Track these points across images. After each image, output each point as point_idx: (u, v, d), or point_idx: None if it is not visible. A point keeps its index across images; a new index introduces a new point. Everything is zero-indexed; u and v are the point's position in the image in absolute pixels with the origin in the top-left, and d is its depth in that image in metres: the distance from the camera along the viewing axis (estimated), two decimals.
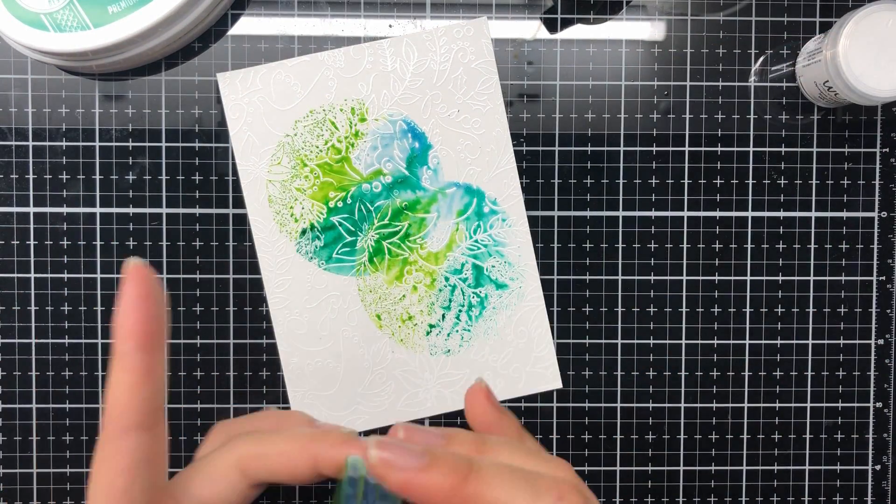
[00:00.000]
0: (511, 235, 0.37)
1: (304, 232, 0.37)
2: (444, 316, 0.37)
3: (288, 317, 0.37)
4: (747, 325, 0.39)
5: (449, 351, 0.37)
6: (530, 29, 0.38)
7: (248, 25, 0.37)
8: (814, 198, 0.39)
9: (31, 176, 0.37)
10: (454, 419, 0.38)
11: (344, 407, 0.37)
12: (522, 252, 0.37)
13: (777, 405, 0.39)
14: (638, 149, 0.38)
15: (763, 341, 0.39)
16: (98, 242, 0.37)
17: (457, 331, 0.37)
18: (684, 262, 0.38)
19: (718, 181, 0.38)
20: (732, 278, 0.39)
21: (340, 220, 0.36)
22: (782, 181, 0.39)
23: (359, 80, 0.36)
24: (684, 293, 0.38)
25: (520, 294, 0.37)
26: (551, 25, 0.38)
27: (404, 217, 0.37)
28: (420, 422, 0.38)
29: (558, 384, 0.38)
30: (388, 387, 0.37)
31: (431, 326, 0.37)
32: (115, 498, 0.23)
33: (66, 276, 0.37)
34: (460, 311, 0.37)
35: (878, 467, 0.39)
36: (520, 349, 0.37)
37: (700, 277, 0.38)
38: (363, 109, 0.36)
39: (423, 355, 0.37)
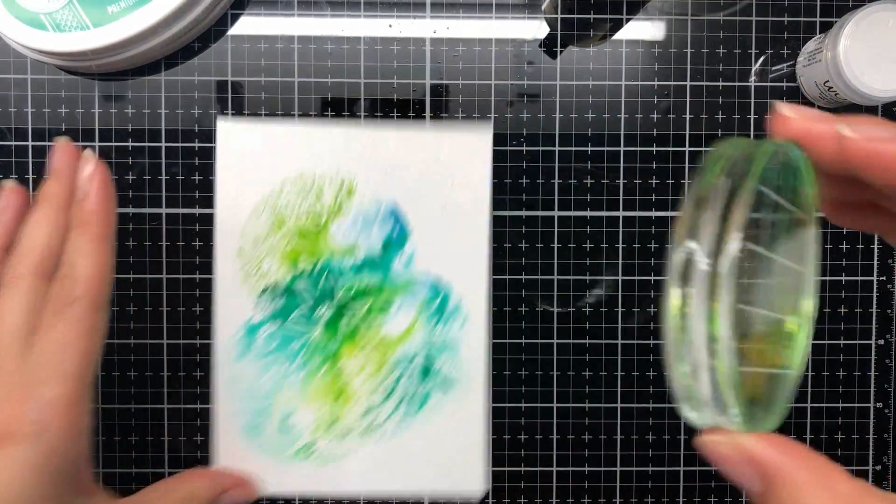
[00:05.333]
0: (468, 337, 0.37)
1: (265, 290, 0.36)
2: (384, 400, 0.37)
3: (231, 369, 0.36)
4: None
5: (382, 435, 0.37)
6: (531, 29, 0.38)
7: (247, 25, 0.37)
8: None
9: (30, 176, 0.37)
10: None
11: (267, 469, 0.36)
12: (475, 355, 0.37)
13: None
14: (638, 149, 0.38)
15: None
16: None
17: (393, 418, 0.37)
18: None
19: None
20: None
21: (304, 286, 0.36)
22: None
23: (355, 160, 0.36)
24: None
25: (464, 394, 0.37)
26: (553, 41, 0.38)
27: (367, 297, 0.36)
28: (339, 501, 0.38)
29: (479, 491, 0.37)
30: (315, 456, 0.37)
31: (370, 408, 0.37)
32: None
33: None
34: (402, 400, 0.36)
35: (878, 467, 0.39)
36: (452, 449, 0.37)
37: None
38: (352, 185, 0.36)
39: (355, 433, 0.37)
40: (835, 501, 0.16)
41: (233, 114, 0.37)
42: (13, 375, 0.25)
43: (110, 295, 0.29)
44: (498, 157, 0.38)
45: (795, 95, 0.38)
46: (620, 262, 0.38)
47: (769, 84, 0.38)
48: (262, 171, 0.36)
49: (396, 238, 0.36)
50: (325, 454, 0.36)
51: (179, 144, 0.37)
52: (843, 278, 0.39)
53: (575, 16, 0.38)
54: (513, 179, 0.38)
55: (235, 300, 0.36)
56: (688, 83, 0.38)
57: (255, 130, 0.36)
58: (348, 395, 0.36)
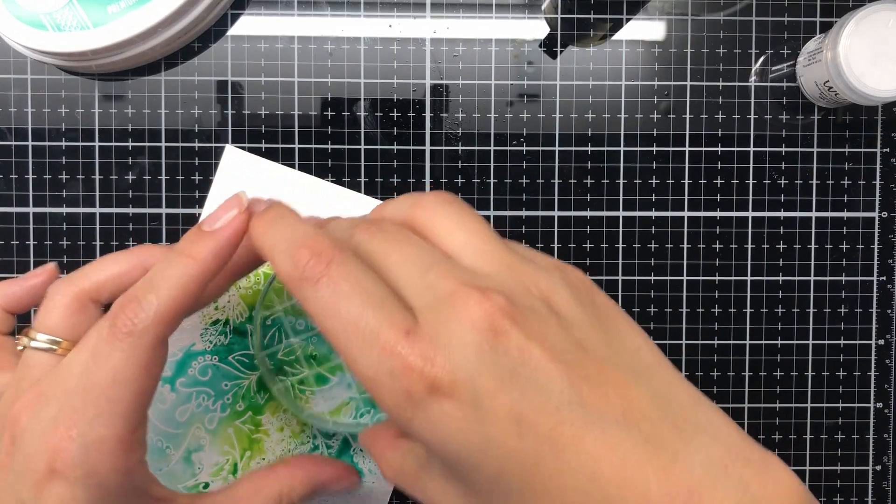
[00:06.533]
0: None
1: (216, 322, 0.36)
2: None
3: (160, 388, 0.35)
4: (747, 325, 0.39)
5: None
6: (531, 29, 0.38)
7: (247, 25, 0.37)
8: (814, 198, 0.39)
9: (30, 176, 0.37)
10: None
11: None
12: None
13: (777, 405, 0.39)
14: (638, 149, 0.38)
15: (763, 341, 0.39)
16: (98, 242, 0.37)
17: None
18: (684, 262, 0.38)
19: (719, 181, 0.38)
20: (732, 278, 0.39)
21: (252, 332, 0.35)
22: (782, 181, 0.38)
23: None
24: (684, 293, 0.38)
25: (369, 489, 0.36)
26: (553, 40, 0.38)
27: (310, 366, 0.35)
28: None
29: None
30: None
31: None
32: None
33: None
34: None
35: (878, 468, 0.39)
36: None
37: (700, 277, 0.38)
38: None
39: None
40: None
41: (233, 113, 0.37)
42: (60, 398, 0.23)
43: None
44: (498, 157, 0.38)
45: (795, 95, 0.38)
46: (620, 262, 0.38)
47: (769, 84, 0.38)
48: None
49: None
50: None
51: (179, 144, 0.37)
52: (843, 278, 0.39)
53: (575, 16, 0.38)
54: (513, 179, 0.38)
55: (186, 322, 0.35)
56: (688, 83, 0.38)
57: (260, 164, 0.36)
58: (259, 449, 0.36)
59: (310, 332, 0.35)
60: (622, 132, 0.38)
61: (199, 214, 0.37)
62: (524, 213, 0.38)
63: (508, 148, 0.38)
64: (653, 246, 0.38)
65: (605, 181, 0.38)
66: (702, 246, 0.38)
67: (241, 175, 0.37)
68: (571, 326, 0.21)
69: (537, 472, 0.19)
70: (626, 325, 0.22)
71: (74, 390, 0.22)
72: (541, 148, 0.38)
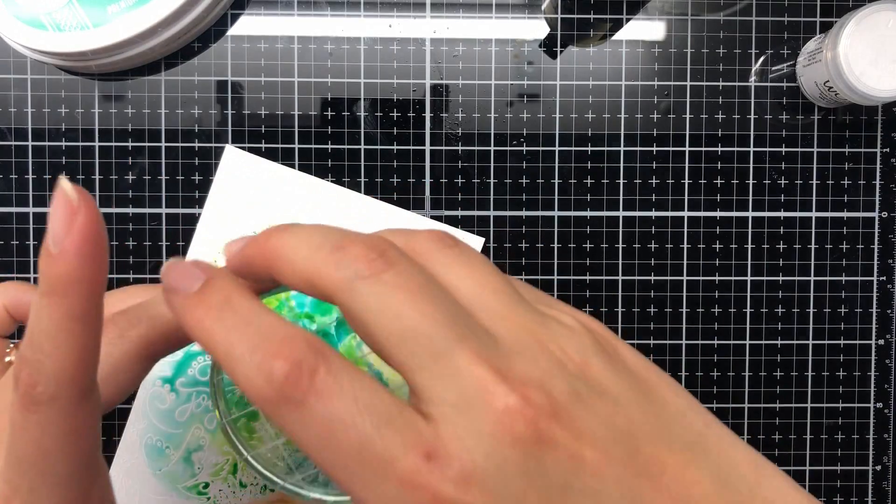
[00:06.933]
0: None
1: None
2: (287, 471, 0.36)
3: (155, 388, 0.35)
4: (747, 325, 0.39)
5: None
6: (531, 29, 0.38)
7: (247, 25, 0.37)
8: (814, 198, 0.39)
9: (30, 176, 0.37)
10: None
11: (157, 493, 0.35)
12: None
13: (777, 405, 0.39)
14: (638, 149, 0.38)
15: (763, 341, 0.39)
16: None
17: (291, 488, 0.36)
18: (684, 262, 0.38)
19: (719, 181, 0.38)
20: (732, 278, 0.39)
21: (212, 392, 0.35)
22: (782, 181, 0.38)
23: (347, 223, 0.36)
24: (684, 293, 0.38)
25: None
26: (553, 40, 0.38)
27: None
28: None
29: None
30: (206, 498, 0.36)
31: (242, 486, 0.36)
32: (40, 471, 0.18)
33: None
34: (304, 477, 0.36)
35: (878, 468, 0.39)
36: None
37: (700, 277, 0.38)
38: None
39: (254, 489, 0.36)
40: None
41: (233, 113, 0.37)
42: None
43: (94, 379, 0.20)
44: (498, 157, 0.38)
45: (795, 95, 0.38)
46: (620, 262, 0.38)
47: (769, 84, 0.38)
48: (253, 207, 0.36)
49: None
50: (217, 499, 0.36)
51: (179, 144, 0.37)
52: (843, 278, 0.39)
53: (575, 16, 0.38)
54: (513, 179, 0.38)
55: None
56: (688, 83, 0.38)
57: (261, 164, 0.36)
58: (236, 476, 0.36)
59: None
60: (622, 132, 0.38)
61: (199, 214, 0.37)
62: (524, 213, 0.38)
63: (508, 148, 0.38)
64: (653, 246, 0.38)
65: (605, 181, 0.38)
66: (702, 246, 0.38)
67: (241, 175, 0.37)
68: (615, 405, 0.18)
69: None
70: (665, 386, 0.19)
71: (7, 465, 0.19)
72: (541, 148, 0.38)
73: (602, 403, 0.17)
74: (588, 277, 0.38)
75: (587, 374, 0.18)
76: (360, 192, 0.37)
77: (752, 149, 0.38)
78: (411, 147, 0.38)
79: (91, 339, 0.18)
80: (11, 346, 0.27)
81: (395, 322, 0.17)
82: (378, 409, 0.16)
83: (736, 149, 0.38)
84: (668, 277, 0.38)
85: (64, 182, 0.17)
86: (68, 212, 0.17)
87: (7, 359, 0.24)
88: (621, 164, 0.38)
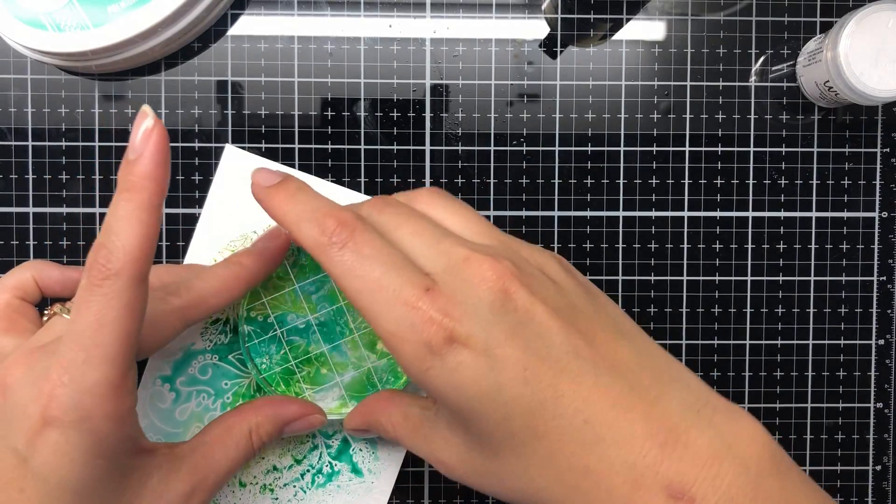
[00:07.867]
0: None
1: (216, 321, 0.35)
2: (291, 466, 0.36)
3: (155, 388, 0.35)
4: (747, 325, 0.39)
5: (277, 499, 0.35)
6: (531, 29, 0.38)
7: (247, 25, 0.37)
8: (814, 198, 0.39)
9: (30, 176, 0.37)
10: None
11: None
12: (393, 453, 0.36)
13: (777, 405, 0.39)
14: (638, 149, 0.38)
15: (763, 341, 0.39)
16: None
17: (294, 485, 0.35)
18: (684, 262, 0.38)
19: (719, 181, 0.38)
20: (732, 278, 0.39)
21: (253, 331, 0.34)
22: (783, 181, 0.38)
23: None
24: (684, 293, 0.38)
25: (368, 488, 0.35)
26: (553, 40, 0.38)
27: (311, 365, 0.35)
28: None
29: None
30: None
31: (274, 468, 0.36)
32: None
33: None
34: (308, 470, 0.36)
35: (878, 468, 0.39)
36: None
37: (700, 277, 0.38)
38: None
39: (253, 488, 0.36)
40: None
41: (233, 113, 0.37)
42: (51, 349, 0.24)
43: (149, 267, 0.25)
44: (498, 157, 0.38)
45: (795, 95, 0.38)
46: (620, 262, 0.38)
47: (769, 84, 0.38)
48: (251, 208, 0.35)
49: None
50: (217, 498, 0.35)
51: (179, 144, 0.37)
52: (843, 278, 0.39)
53: (575, 16, 0.38)
54: (513, 179, 0.38)
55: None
56: (688, 83, 0.38)
57: (260, 163, 0.36)
58: None
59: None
60: (622, 132, 0.38)
61: (199, 214, 0.37)
62: (524, 213, 0.38)
63: (508, 148, 0.38)
64: (653, 246, 0.38)
65: (605, 181, 0.38)
66: (702, 246, 0.38)
67: (241, 175, 0.37)
68: (564, 291, 0.25)
69: (539, 416, 0.22)
70: (606, 298, 0.27)
71: (64, 340, 0.23)
72: (541, 148, 0.38)
73: (553, 287, 0.25)
74: (588, 277, 0.38)
75: (545, 270, 0.26)
76: (360, 192, 0.37)
77: (752, 149, 0.38)
78: (411, 147, 0.38)
79: (153, 230, 0.23)
80: (45, 312, 0.30)
81: (356, 281, 0.24)
82: (395, 258, 0.24)
83: (736, 149, 0.38)
84: (668, 277, 0.38)
85: (146, 108, 0.24)
86: (146, 131, 0.24)
87: (44, 318, 0.30)
88: (621, 164, 0.38)
